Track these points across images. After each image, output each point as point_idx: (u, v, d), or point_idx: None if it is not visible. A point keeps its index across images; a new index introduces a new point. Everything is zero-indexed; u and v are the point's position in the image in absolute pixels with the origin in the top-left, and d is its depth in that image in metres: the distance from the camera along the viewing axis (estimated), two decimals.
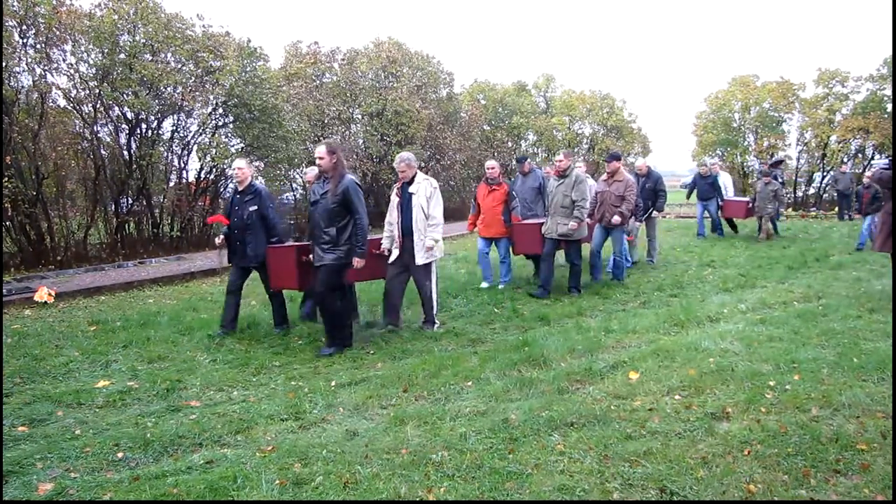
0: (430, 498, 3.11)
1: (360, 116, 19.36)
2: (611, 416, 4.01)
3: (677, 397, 4.32)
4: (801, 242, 12.89)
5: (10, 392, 4.94)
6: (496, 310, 7.52)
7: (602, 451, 3.51)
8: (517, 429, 3.85)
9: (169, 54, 13.02)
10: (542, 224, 8.39)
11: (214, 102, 14.00)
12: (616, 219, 8.70)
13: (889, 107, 19.80)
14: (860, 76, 21.03)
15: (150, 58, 12.50)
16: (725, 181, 14.95)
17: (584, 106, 25.04)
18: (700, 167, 14.62)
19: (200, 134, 14.53)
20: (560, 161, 8.35)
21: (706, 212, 14.37)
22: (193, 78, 13.37)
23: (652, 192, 10.93)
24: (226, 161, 14.34)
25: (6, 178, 10.51)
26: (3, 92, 10.35)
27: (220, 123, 14.67)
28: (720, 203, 14.21)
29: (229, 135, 14.85)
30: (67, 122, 12.70)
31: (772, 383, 4.43)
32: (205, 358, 5.89)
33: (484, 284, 8.96)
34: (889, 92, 19.92)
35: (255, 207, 6.64)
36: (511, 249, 8.96)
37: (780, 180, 18.77)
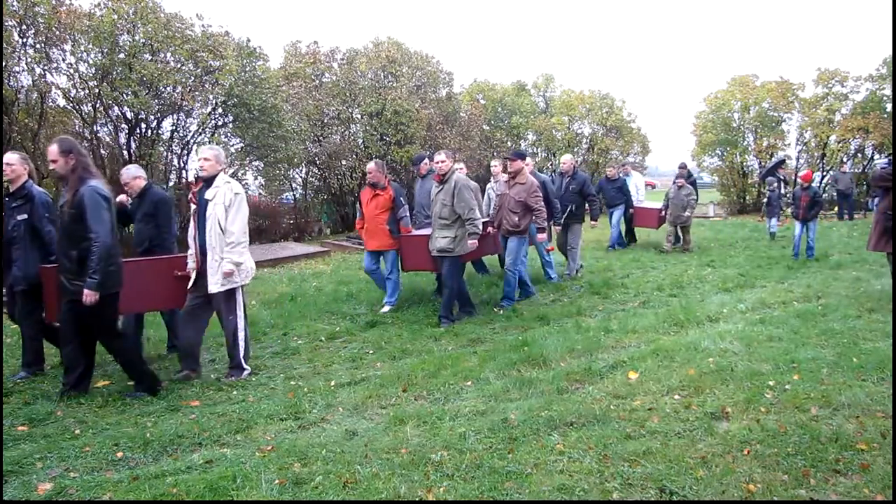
0: (430, 498, 3.11)
1: (359, 116, 19.34)
2: (610, 416, 4.01)
3: (677, 397, 4.32)
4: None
5: (10, 391, 4.95)
6: (495, 309, 7.52)
7: (601, 451, 3.51)
8: (517, 428, 3.85)
9: (168, 54, 13.00)
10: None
11: (214, 102, 13.99)
12: (541, 236, 7.85)
13: (889, 107, 19.79)
14: (860, 76, 21.00)
15: (150, 57, 12.48)
16: (637, 183, 13.66)
17: (583, 106, 25.00)
18: (607, 169, 13.27)
19: (200, 133, 14.52)
20: (441, 162, 7.02)
21: (611, 219, 12.93)
22: (193, 78, 13.36)
23: (576, 195, 9.57)
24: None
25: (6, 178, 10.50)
26: (3, 91, 10.35)
27: (220, 123, 14.66)
28: (630, 210, 12.89)
29: (229, 134, 14.85)
30: (67, 121, 12.70)
31: (771, 383, 4.43)
32: (204, 357, 5.89)
33: (386, 308, 7.67)
34: (889, 92, 19.92)
35: (25, 216, 5.31)
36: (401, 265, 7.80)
37: (782, 180, 18.82)
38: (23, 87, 11.23)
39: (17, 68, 10.90)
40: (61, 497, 3.24)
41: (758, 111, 21.83)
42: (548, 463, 3.40)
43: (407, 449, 3.62)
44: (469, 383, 4.86)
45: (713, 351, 5.24)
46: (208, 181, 5.26)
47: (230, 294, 5.29)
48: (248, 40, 14.74)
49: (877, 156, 20.94)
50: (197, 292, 5.34)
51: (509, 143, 25.31)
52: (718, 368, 4.79)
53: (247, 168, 15.77)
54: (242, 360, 5.40)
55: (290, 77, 17.69)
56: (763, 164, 21.91)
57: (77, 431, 4.15)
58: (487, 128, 24.34)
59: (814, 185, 11.47)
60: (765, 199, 15.08)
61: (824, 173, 21.76)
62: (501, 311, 7.43)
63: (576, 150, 25.09)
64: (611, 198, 12.73)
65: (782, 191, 13.12)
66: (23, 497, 3.24)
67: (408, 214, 7.73)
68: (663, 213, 12.35)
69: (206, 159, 5.28)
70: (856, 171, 21.01)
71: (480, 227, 6.96)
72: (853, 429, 3.66)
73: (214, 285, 5.20)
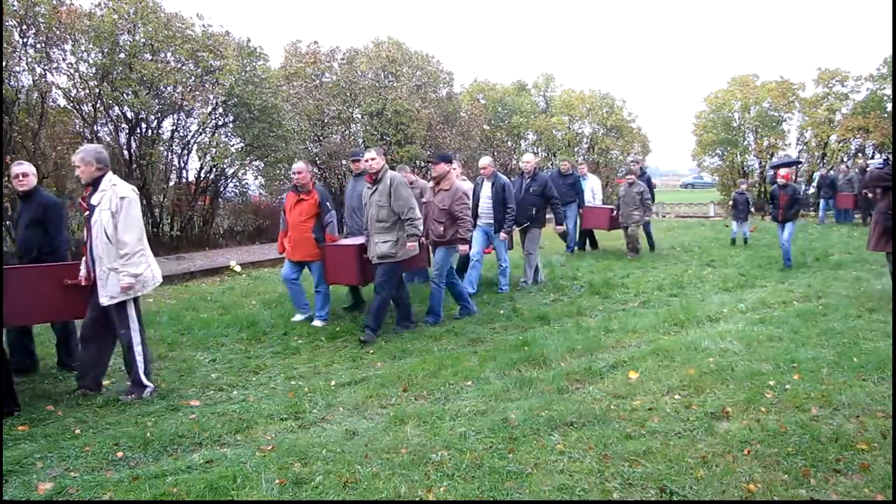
0: (430, 497, 3.11)
1: (359, 116, 19.33)
2: (610, 416, 4.02)
3: (677, 397, 4.32)
4: (800, 242, 12.89)
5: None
6: (496, 309, 7.52)
7: (602, 451, 3.51)
8: (517, 428, 3.85)
9: (169, 54, 13.01)
10: (360, 246, 6.72)
11: (214, 102, 14.00)
12: (462, 248, 7.07)
13: (889, 106, 19.79)
14: (860, 76, 21.01)
15: (150, 57, 12.49)
16: (593, 186, 12.67)
17: (583, 105, 25.00)
18: (561, 163, 11.96)
19: (200, 133, 14.52)
20: (371, 160, 6.38)
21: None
22: (193, 77, 13.36)
23: (538, 197, 8.89)
24: (226, 161, 14.34)
25: (6, 178, 10.51)
26: (4, 91, 10.35)
27: (220, 123, 14.67)
28: (580, 210, 11.98)
29: (229, 134, 14.85)
30: (67, 121, 12.70)
31: (771, 383, 4.44)
32: (204, 357, 5.90)
33: (298, 317, 7.15)
34: (889, 91, 19.92)
35: None
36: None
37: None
38: (23, 86, 11.23)
39: (17, 68, 10.91)
40: (62, 496, 3.24)
41: (758, 111, 21.84)
42: (548, 463, 3.40)
43: (407, 449, 3.62)
44: (469, 383, 4.86)
45: (713, 351, 5.24)
46: (94, 185, 4.77)
47: (121, 306, 4.77)
48: (249, 40, 14.76)
49: (877, 155, 20.94)
50: (93, 305, 4.84)
51: (509, 143, 25.34)
52: (719, 368, 4.79)
53: (247, 168, 15.77)
54: (142, 377, 4.85)
55: (290, 77, 17.70)
56: (763, 163, 21.89)
57: (77, 431, 4.15)
58: (488, 128, 24.34)
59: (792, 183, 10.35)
60: (731, 202, 13.88)
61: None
62: (503, 314, 7.42)
63: (576, 149, 25.09)
64: (562, 195, 11.19)
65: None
66: (23, 496, 3.25)
67: (334, 220, 7.11)
68: (615, 213, 11.53)
69: (76, 166, 4.76)
70: (856, 170, 21.00)
71: (421, 227, 6.46)
72: (853, 429, 3.66)
73: (104, 298, 4.73)
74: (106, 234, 4.69)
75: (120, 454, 3.72)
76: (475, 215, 8.26)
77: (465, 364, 5.31)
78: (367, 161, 6.47)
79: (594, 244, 12.69)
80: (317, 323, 7.02)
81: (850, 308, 6.64)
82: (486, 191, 8.34)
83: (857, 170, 16.65)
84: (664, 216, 22.68)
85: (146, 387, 4.87)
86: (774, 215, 10.08)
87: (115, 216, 4.68)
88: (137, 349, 4.84)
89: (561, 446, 3.59)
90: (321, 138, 18.42)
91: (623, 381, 4.68)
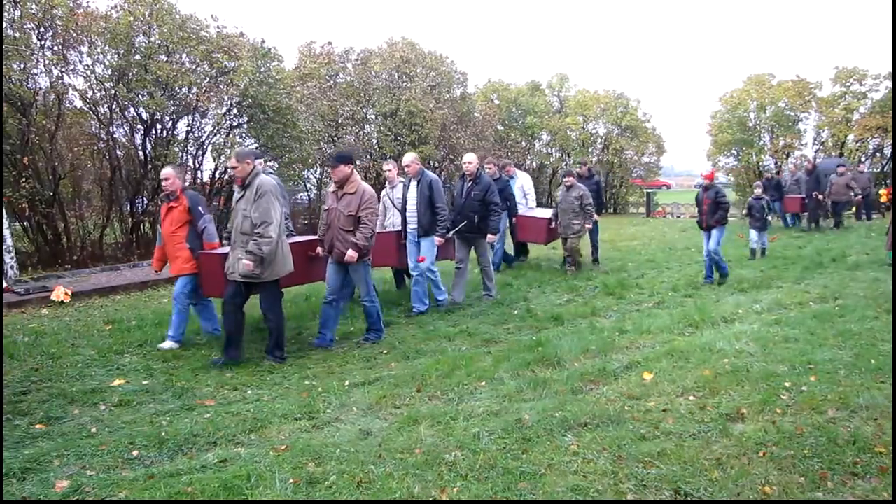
0: (444, 498, 3.11)
1: (373, 116, 19.41)
2: (625, 417, 3.99)
3: (692, 398, 4.29)
4: (817, 242, 12.76)
5: (28, 390, 5.01)
6: (509, 310, 7.51)
7: (616, 452, 3.50)
8: (531, 429, 3.84)
9: (184, 55, 13.10)
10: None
11: (229, 103, 14.07)
12: (350, 254, 6.04)
13: None
14: (878, 74, 20.80)
15: (165, 59, 12.59)
16: (524, 184, 11.03)
17: (598, 105, 24.92)
18: (486, 165, 9.96)
19: (215, 134, 14.61)
20: (234, 168, 5.75)
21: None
22: (208, 78, 13.45)
23: (481, 203, 7.84)
24: None
25: (24, 179, 10.64)
26: (22, 94, 10.49)
27: (235, 124, 14.75)
28: (513, 219, 10.39)
29: (244, 135, 14.93)
30: (84, 122, 12.84)
31: (787, 384, 4.40)
32: (219, 357, 5.92)
33: (165, 345, 6.22)
34: None
35: None
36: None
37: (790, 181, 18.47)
38: (41, 88, 11.37)
39: (35, 70, 11.05)
40: (78, 494, 3.27)
41: (774, 110, 21.65)
42: (562, 464, 3.39)
43: (421, 449, 3.62)
44: (483, 383, 4.85)
45: (728, 352, 5.20)
46: None
47: None
48: (263, 41, 14.83)
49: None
50: None
51: (523, 143, 25.30)
52: (734, 369, 4.75)
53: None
54: None
55: (304, 77, 17.77)
56: (779, 163, 21.68)
57: (93, 430, 4.19)
58: (502, 128, 24.35)
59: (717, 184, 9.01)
60: (745, 209, 12.44)
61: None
62: (516, 314, 7.38)
63: (590, 150, 25.01)
64: None
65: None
66: (41, 494, 3.28)
67: (210, 225, 6.35)
68: (553, 224, 10.13)
69: None
70: (874, 170, 20.77)
71: (265, 249, 5.42)
72: (871, 431, 3.62)
73: None
74: None
75: (135, 453, 3.75)
76: (403, 220, 7.65)
77: (478, 364, 5.30)
78: (231, 168, 5.70)
79: (522, 253, 11.36)
80: (166, 345, 6.24)
81: (867, 309, 6.57)
82: (412, 192, 7.53)
83: (804, 171, 15.89)
84: (679, 216, 22.57)
85: None
86: (699, 222, 9.06)
87: None
88: None
89: (575, 447, 3.58)
90: (335, 139, 18.48)
91: (637, 382, 4.65)
